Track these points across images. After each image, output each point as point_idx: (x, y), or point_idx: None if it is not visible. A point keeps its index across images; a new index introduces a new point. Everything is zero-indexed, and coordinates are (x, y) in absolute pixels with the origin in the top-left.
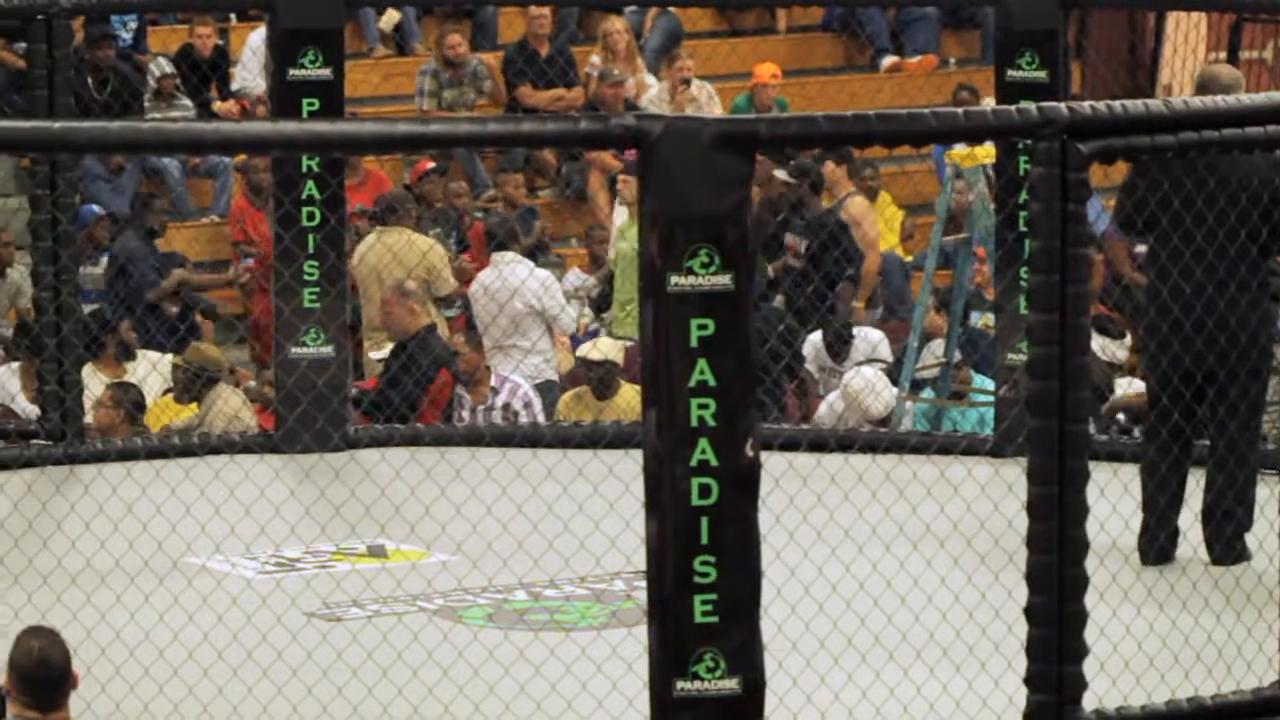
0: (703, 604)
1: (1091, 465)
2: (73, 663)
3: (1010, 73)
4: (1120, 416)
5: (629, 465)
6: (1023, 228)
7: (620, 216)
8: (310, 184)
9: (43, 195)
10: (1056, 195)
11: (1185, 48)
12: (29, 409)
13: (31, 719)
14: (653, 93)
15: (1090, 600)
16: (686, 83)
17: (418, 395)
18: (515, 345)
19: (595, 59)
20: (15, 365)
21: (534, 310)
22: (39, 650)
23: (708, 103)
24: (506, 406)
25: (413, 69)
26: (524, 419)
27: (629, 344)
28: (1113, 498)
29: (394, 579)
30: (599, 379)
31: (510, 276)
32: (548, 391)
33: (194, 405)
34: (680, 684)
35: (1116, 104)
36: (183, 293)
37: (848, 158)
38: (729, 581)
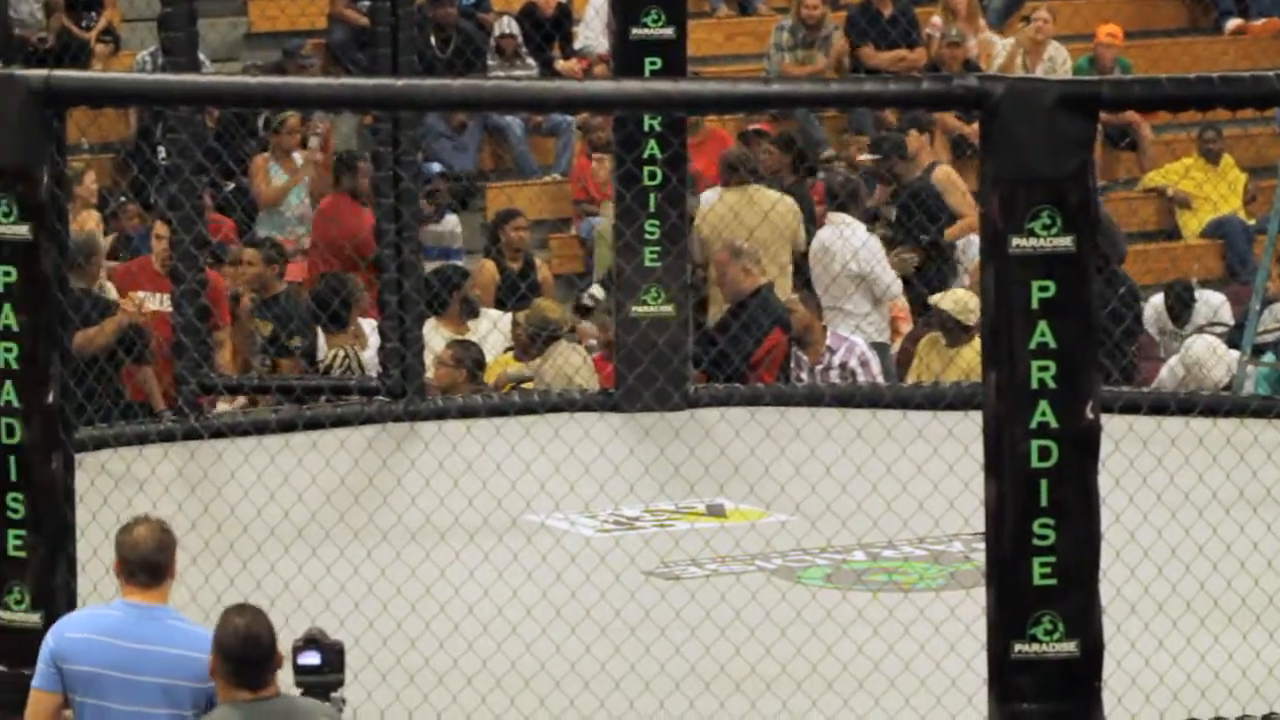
0: (1042, 566)
1: None
2: (278, 641)
3: None
4: None
5: (969, 427)
6: None
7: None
8: (652, 143)
9: (385, 152)
10: None
11: None
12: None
13: (242, 699)
14: (1003, 47)
15: None
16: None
17: (751, 351)
18: (852, 308)
19: (936, 19)
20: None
21: (861, 274)
22: (245, 627)
23: (1062, 65)
24: (844, 366)
25: (755, 29)
26: (861, 378)
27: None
28: None
29: (732, 538)
30: (951, 328)
31: (851, 237)
32: (881, 355)
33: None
34: (1018, 646)
35: None
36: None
37: (928, 127)
38: (1068, 544)
